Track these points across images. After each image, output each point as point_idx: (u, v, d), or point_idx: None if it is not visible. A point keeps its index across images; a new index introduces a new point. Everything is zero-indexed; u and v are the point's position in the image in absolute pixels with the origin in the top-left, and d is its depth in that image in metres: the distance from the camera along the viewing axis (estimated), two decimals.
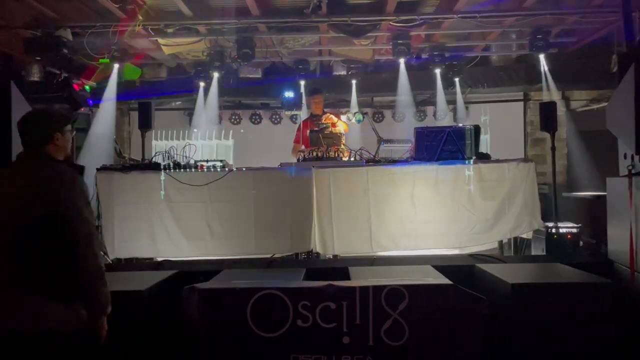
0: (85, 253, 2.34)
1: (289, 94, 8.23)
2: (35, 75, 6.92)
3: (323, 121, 6.31)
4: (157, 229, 5.01)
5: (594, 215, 5.29)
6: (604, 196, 4.73)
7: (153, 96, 7.63)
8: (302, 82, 8.16)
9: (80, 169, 2.61)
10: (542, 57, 7.38)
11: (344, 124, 6.42)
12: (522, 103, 9.12)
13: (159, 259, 5.03)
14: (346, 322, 3.32)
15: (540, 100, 7.49)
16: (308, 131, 6.18)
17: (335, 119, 6.33)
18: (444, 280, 3.64)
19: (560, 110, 6.25)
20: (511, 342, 3.55)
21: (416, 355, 3.30)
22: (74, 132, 2.72)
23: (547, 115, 5.67)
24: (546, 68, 7.55)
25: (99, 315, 2.42)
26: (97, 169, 5.11)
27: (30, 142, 2.54)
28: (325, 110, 6.70)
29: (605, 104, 5.46)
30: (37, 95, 6.27)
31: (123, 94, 7.65)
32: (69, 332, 2.33)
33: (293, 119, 9.09)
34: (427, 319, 3.33)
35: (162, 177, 5.01)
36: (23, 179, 2.42)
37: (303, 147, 6.07)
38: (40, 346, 2.29)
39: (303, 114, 8.17)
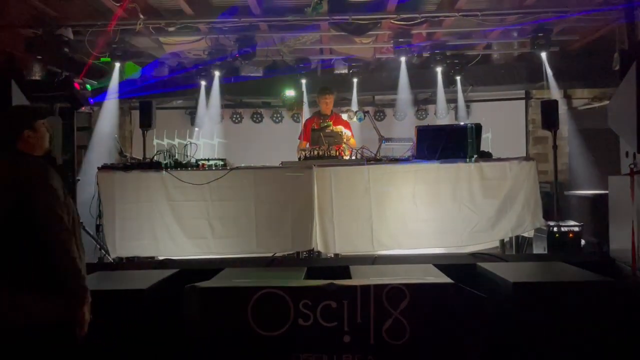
0: (54, 245, 2.34)
1: (289, 93, 8.21)
2: (36, 74, 6.91)
3: (330, 127, 6.18)
4: (158, 227, 5.01)
5: (596, 213, 5.29)
6: (606, 194, 4.73)
7: (154, 92, 7.61)
8: (304, 81, 8.16)
9: (52, 161, 2.61)
10: (543, 55, 7.35)
11: (353, 140, 6.32)
12: (523, 101, 9.11)
13: (161, 258, 5.04)
14: (347, 321, 3.32)
15: (542, 98, 7.46)
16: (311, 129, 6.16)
17: (345, 130, 6.19)
18: (445, 279, 3.64)
19: (562, 108, 6.22)
20: (513, 340, 3.54)
21: (417, 354, 3.30)
22: (50, 127, 2.69)
23: (549, 114, 5.67)
24: (548, 66, 7.52)
25: (74, 306, 2.37)
26: (98, 168, 5.12)
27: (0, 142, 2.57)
28: (334, 110, 6.64)
29: (607, 102, 5.46)
30: (38, 94, 6.26)
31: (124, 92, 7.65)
32: (49, 325, 2.33)
33: (294, 117, 9.08)
34: (429, 318, 3.32)
35: (163, 176, 5.01)
36: None
37: (308, 145, 6.04)
38: (17, 340, 2.29)
39: (305, 113, 8.16)
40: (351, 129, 6.39)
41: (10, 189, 2.39)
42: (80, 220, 2.64)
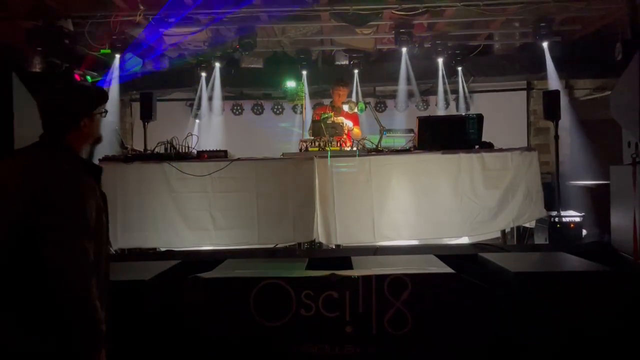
0: (64, 280, 1.85)
1: (290, 83, 8.19)
2: (36, 66, 6.90)
3: (332, 118, 6.17)
4: (160, 219, 5.02)
5: (598, 203, 5.29)
6: (608, 185, 4.72)
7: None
8: (304, 72, 8.14)
9: (96, 169, 2.11)
10: (545, 45, 7.33)
11: (357, 130, 6.32)
12: (525, 92, 9.08)
13: (162, 249, 5.05)
14: (349, 311, 3.33)
15: (544, 89, 7.44)
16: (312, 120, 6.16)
17: (346, 121, 6.19)
18: (446, 269, 3.64)
19: (564, 99, 6.20)
20: (514, 330, 3.55)
21: (419, 344, 3.31)
22: (105, 114, 2.20)
23: (551, 104, 5.66)
24: (549, 56, 7.49)
25: (84, 353, 1.91)
26: (100, 160, 5.12)
27: (47, 127, 2.06)
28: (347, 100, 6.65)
29: (609, 92, 5.44)
30: (39, 86, 6.25)
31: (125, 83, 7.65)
32: None
33: (295, 109, 9.06)
34: (430, 308, 3.33)
35: (165, 168, 5.01)
36: (18, 175, 1.95)
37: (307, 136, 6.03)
38: None
39: (307, 105, 8.14)
40: (357, 121, 6.40)
41: (30, 199, 1.88)
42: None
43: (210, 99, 8.45)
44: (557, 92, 5.75)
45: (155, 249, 5.09)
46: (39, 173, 1.93)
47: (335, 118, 6.07)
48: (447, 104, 8.71)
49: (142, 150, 5.52)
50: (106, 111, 2.19)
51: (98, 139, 2.21)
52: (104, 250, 2.09)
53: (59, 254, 1.85)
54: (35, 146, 2.06)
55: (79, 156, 2.10)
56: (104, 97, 2.20)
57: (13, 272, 1.88)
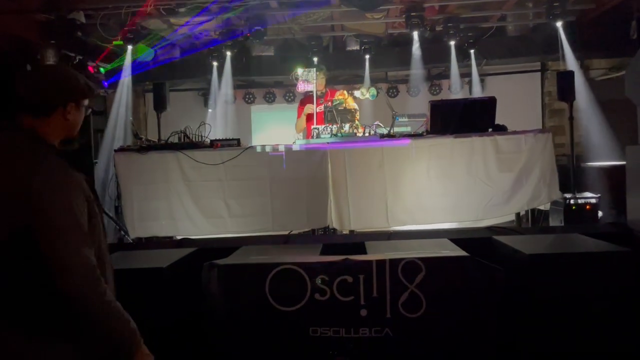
0: (70, 284, 1.63)
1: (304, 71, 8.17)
2: (50, 59, 6.98)
3: (343, 104, 6.16)
4: (175, 208, 5.08)
5: (613, 184, 5.24)
6: (623, 165, 4.67)
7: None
8: (315, 59, 8.11)
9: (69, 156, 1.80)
10: (559, 25, 7.21)
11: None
12: (539, 73, 8.97)
13: (179, 238, 5.11)
14: (363, 295, 3.35)
15: (558, 70, 7.34)
16: (320, 107, 6.14)
17: (346, 94, 6.17)
18: (460, 252, 3.64)
19: (579, 79, 6.10)
20: (529, 312, 3.55)
21: (433, 326, 3.33)
22: (90, 111, 1.92)
23: (565, 85, 5.59)
24: (564, 37, 7.38)
25: (120, 355, 1.75)
26: (115, 150, 5.19)
27: (25, 108, 1.74)
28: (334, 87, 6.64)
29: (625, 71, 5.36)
30: None
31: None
32: None
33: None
34: (444, 291, 3.34)
35: (179, 157, 5.06)
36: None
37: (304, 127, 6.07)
38: None
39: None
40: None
41: (15, 199, 1.61)
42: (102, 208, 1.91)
43: (222, 88, 8.48)
44: (571, 73, 5.69)
45: (171, 237, 5.16)
46: (23, 169, 1.65)
47: (347, 104, 6.07)
48: (460, 87, 8.63)
49: (156, 140, 5.58)
50: (90, 108, 1.92)
51: (72, 136, 1.89)
52: (104, 243, 1.88)
53: (61, 265, 1.62)
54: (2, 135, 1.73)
55: (51, 142, 1.79)
56: (94, 89, 1.94)
57: (12, 283, 1.65)
